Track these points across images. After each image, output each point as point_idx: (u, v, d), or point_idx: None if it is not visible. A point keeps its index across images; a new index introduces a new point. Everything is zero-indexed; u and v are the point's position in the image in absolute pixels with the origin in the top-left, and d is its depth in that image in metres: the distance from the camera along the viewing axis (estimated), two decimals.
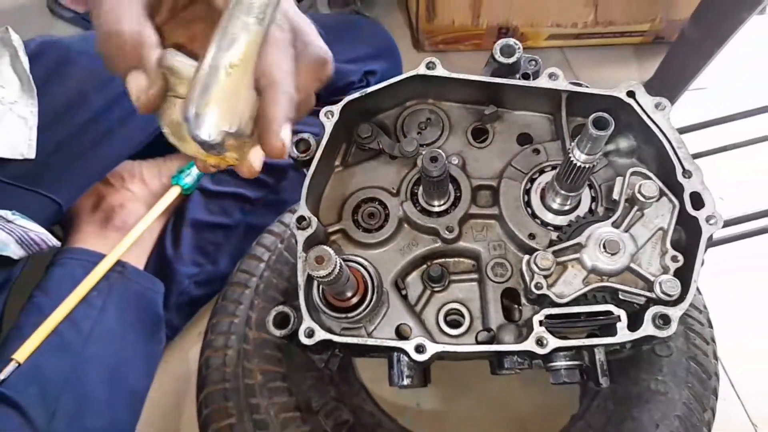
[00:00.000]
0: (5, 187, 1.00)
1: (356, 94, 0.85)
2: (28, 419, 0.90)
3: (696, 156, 1.30)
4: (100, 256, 1.09)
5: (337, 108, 0.84)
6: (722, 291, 1.39)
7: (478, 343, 0.82)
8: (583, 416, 1.04)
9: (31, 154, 1.01)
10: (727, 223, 1.09)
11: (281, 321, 0.79)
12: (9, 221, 0.95)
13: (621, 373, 1.04)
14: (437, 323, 0.84)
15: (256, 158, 0.62)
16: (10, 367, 0.94)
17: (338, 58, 1.32)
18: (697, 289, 1.16)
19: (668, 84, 1.65)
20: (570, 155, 0.70)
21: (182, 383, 1.24)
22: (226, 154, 0.55)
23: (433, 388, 1.26)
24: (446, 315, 0.85)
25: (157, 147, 1.26)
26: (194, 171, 1.23)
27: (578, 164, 0.69)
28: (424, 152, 0.78)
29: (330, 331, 0.78)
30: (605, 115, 0.63)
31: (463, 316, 0.84)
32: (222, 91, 0.49)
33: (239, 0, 0.49)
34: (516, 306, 0.83)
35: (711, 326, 1.12)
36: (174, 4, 0.62)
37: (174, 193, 1.19)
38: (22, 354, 0.95)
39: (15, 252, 0.95)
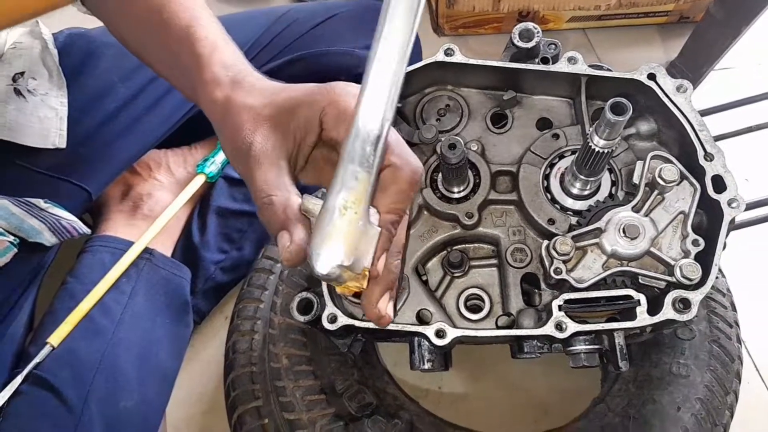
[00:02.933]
0: (38, 177, 1.04)
1: None
2: (63, 401, 0.94)
3: (722, 137, 1.28)
4: (129, 244, 1.12)
5: None
6: (747, 274, 1.37)
7: (498, 327, 0.83)
8: (604, 399, 1.05)
9: (62, 143, 1.04)
10: (752, 206, 1.08)
11: (305, 307, 0.81)
12: (42, 209, 0.98)
13: (642, 356, 1.04)
14: (458, 308, 0.85)
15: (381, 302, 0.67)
16: (45, 351, 0.98)
17: (356, 45, 1.33)
18: (721, 272, 1.16)
19: (694, 64, 1.62)
20: (588, 141, 0.70)
21: (210, 367, 1.27)
22: (348, 283, 0.60)
23: (455, 372, 1.27)
24: (466, 300, 0.86)
25: (183, 136, 1.29)
26: (218, 159, 1.25)
27: (597, 150, 0.69)
28: (443, 139, 0.79)
29: (352, 316, 0.80)
30: (623, 100, 0.63)
31: (483, 301, 0.85)
32: (335, 229, 0.55)
33: (347, 150, 0.55)
34: (536, 291, 0.84)
35: (735, 310, 1.11)
36: (307, 154, 0.67)
37: (199, 181, 1.21)
38: (56, 338, 0.99)
39: (48, 239, 0.98)
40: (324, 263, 0.55)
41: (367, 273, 0.58)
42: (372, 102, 0.53)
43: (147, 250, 1.13)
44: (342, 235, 0.55)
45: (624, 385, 1.04)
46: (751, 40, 1.58)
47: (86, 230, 1.06)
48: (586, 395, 1.12)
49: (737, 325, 1.09)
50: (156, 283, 1.12)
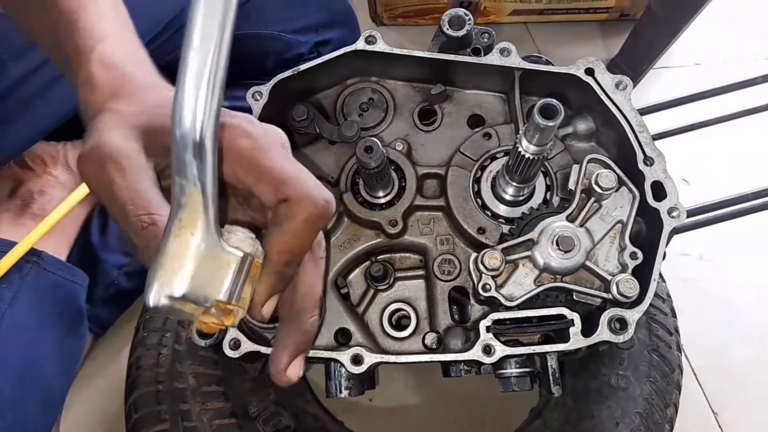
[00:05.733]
0: None
1: (288, 72, 0.76)
2: None
3: (661, 136, 1.24)
4: (13, 245, 0.99)
5: (266, 88, 0.75)
6: (685, 276, 1.36)
7: (424, 345, 0.75)
8: (541, 414, 0.99)
9: None
10: (692, 213, 1.04)
11: None
12: None
13: (581, 366, 0.99)
14: (381, 325, 0.77)
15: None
16: None
17: (287, 27, 1.22)
18: (660, 275, 1.12)
19: (634, 61, 1.60)
20: (518, 146, 0.62)
21: (115, 383, 1.14)
22: (203, 318, 0.50)
23: (387, 383, 1.20)
24: (391, 316, 0.77)
25: (84, 127, 1.15)
26: None
27: (527, 156, 0.62)
28: (363, 139, 0.70)
29: (260, 339, 0.70)
30: (553, 102, 0.56)
31: (409, 316, 0.77)
32: (167, 254, 0.46)
33: (172, 164, 0.46)
34: (469, 302, 0.77)
35: (675, 316, 1.07)
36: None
37: None
38: None
39: None
40: (152, 294, 0.45)
41: (231, 308, 0.49)
42: (185, 104, 0.44)
43: (34, 252, 0.99)
44: (174, 260, 0.45)
45: (561, 398, 0.98)
46: (690, 40, 1.57)
47: None
48: (526, 404, 1.06)
49: (677, 332, 1.05)
50: (44, 290, 0.99)
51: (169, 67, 1.20)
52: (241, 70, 1.21)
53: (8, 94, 0.98)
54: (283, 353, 0.57)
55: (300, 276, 0.55)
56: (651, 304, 1.05)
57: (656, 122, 1.20)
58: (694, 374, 1.33)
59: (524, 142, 0.61)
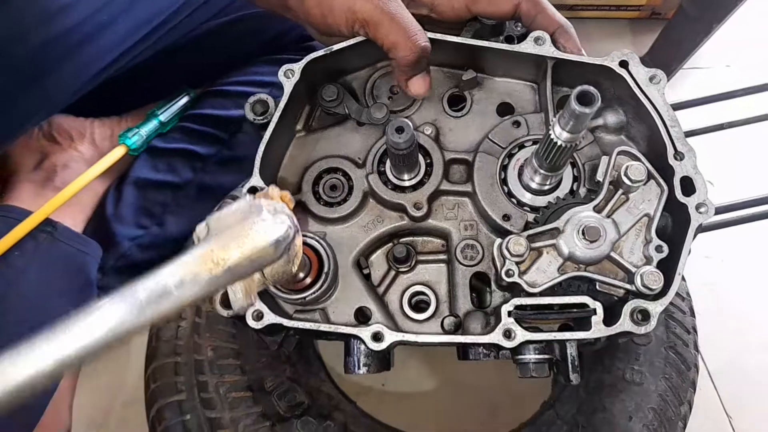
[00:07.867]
0: None
1: (320, 52, 0.76)
2: None
3: (687, 135, 1.23)
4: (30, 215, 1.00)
5: (298, 66, 0.76)
6: (707, 279, 1.34)
7: (443, 329, 0.76)
8: (553, 405, 0.99)
9: None
10: (720, 211, 1.03)
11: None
12: None
13: (595, 360, 0.99)
14: (401, 306, 0.78)
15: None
16: None
17: None
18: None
19: (663, 61, 1.58)
20: (550, 132, 0.62)
21: (133, 355, 1.17)
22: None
23: (400, 369, 1.20)
24: (411, 298, 0.78)
25: (113, 103, 1.16)
26: (144, 130, 1.13)
27: (559, 143, 0.61)
28: (394, 120, 0.70)
29: (283, 313, 0.71)
30: (591, 89, 0.55)
31: (429, 299, 0.78)
32: None
33: None
34: (487, 289, 0.77)
35: (693, 315, 1.07)
36: None
37: (118, 152, 1.09)
38: None
39: None
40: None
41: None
42: None
43: (49, 223, 0.99)
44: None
45: (574, 391, 0.99)
46: (721, 41, 1.55)
47: None
48: (538, 396, 1.07)
49: (695, 331, 1.04)
50: (55, 260, 0.99)
51: (183, 47, 1.18)
52: (260, 46, 1.21)
53: (27, 62, 0.93)
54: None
55: None
56: (670, 302, 1.05)
57: (682, 121, 1.19)
58: (710, 377, 1.32)
59: (557, 129, 0.61)
